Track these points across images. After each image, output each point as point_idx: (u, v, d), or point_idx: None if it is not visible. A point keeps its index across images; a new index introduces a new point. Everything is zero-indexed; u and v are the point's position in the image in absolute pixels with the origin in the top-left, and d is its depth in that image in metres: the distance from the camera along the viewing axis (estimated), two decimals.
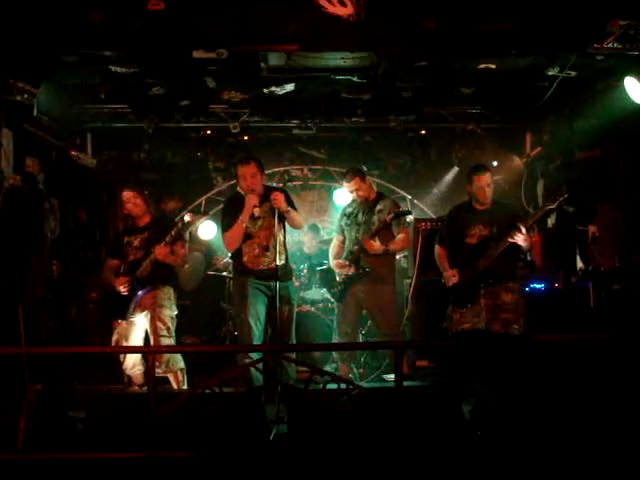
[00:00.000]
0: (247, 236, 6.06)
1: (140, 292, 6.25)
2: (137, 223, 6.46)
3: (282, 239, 6.20)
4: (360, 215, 6.75)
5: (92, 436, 4.69)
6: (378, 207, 6.66)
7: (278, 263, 5.91)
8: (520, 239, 5.76)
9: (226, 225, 6.12)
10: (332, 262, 6.94)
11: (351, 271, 6.64)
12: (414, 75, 7.14)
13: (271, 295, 5.92)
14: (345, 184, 6.84)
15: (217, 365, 6.77)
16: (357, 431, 4.50)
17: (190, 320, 7.94)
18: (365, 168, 8.89)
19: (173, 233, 6.06)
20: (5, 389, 5.23)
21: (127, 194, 6.41)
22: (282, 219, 6.11)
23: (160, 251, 6.08)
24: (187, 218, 6.35)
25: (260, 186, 6.14)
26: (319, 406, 4.57)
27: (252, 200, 6.00)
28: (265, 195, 6.14)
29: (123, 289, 6.21)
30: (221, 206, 9.92)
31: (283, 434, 4.98)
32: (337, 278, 6.78)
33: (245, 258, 6.08)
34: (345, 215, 6.94)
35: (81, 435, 4.82)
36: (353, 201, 6.92)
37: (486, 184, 6.06)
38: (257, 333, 6.00)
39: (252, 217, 6.05)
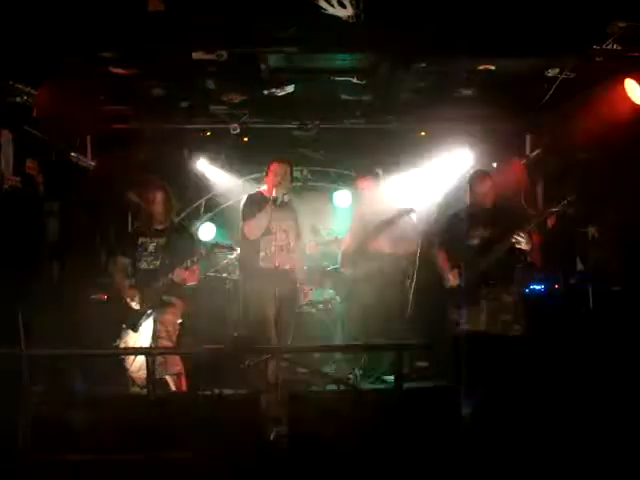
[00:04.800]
0: (267, 231, 6.13)
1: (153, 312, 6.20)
2: (154, 226, 6.43)
3: (294, 245, 6.40)
4: (368, 216, 6.78)
5: (91, 438, 4.68)
6: (390, 209, 6.66)
7: (290, 266, 6.11)
8: (522, 243, 5.77)
9: (249, 214, 6.26)
10: (340, 260, 7.01)
11: (355, 271, 6.68)
12: (414, 76, 7.13)
13: (279, 297, 5.96)
14: (358, 183, 6.90)
15: (216, 367, 6.76)
16: (357, 432, 4.50)
17: (190, 322, 7.91)
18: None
19: (194, 260, 6.07)
20: (5, 391, 5.23)
21: (159, 194, 6.40)
22: (298, 233, 6.59)
23: (181, 275, 6.08)
24: (213, 248, 6.39)
25: (286, 187, 6.37)
26: (319, 408, 4.57)
27: (279, 192, 6.22)
28: (290, 206, 6.53)
29: (135, 304, 6.17)
30: (222, 206, 10.11)
31: (283, 436, 4.98)
32: (344, 278, 6.83)
33: (262, 255, 6.16)
34: (357, 218, 6.99)
35: (80, 437, 4.82)
36: (365, 203, 6.93)
37: (487, 189, 6.09)
38: (273, 333, 6.03)
39: (275, 212, 6.11)
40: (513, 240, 5.78)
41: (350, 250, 6.91)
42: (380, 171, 7.01)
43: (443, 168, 9.29)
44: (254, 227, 6.17)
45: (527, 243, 5.81)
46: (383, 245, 6.55)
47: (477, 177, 6.21)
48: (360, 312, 6.76)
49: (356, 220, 6.95)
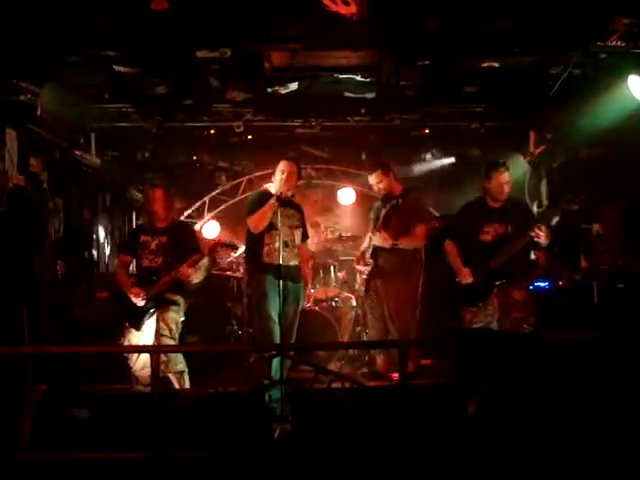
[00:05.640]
0: (271, 226, 6.13)
1: (156, 310, 6.18)
2: (156, 224, 6.38)
3: (299, 243, 6.40)
4: (383, 210, 6.77)
5: (96, 435, 4.69)
6: (400, 202, 6.65)
7: (295, 263, 6.11)
8: (542, 237, 5.75)
9: (254, 209, 6.24)
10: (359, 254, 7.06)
11: (365, 265, 6.72)
12: (417, 74, 7.13)
13: (284, 294, 5.97)
14: (369, 177, 6.91)
15: (220, 365, 6.77)
16: (361, 430, 4.50)
17: (193, 320, 7.93)
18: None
19: (197, 258, 6.08)
20: (10, 389, 5.24)
21: (157, 192, 6.38)
22: (304, 232, 6.55)
23: (185, 272, 6.06)
24: (216, 246, 6.35)
25: (293, 185, 6.37)
26: (323, 405, 4.57)
27: (285, 189, 6.20)
28: (296, 205, 6.49)
29: (139, 301, 6.16)
30: (225, 205, 10.14)
31: (287, 433, 4.98)
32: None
33: (266, 249, 6.17)
34: (373, 210, 7.00)
35: (85, 434, 4.82)
36: (382, 196, 6.92)
37: (505, 181, 6.06)
38: (277, 330, 6.02)
39: (280, 208, 6.11)
40: (532, 234, 5.75)
41: (366, 246, 6.94)
42: (389, 164, 6.99)
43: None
44: (258, 220, 6.17)
45: (546, 238, 5.79)
46: (386, 237, 6.54)
47: (497, 167, 6.16)
48: (379, 305, 6.76)
49: (372, 214, 6.97)
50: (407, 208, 6.56)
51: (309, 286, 6.62)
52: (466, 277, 6.01)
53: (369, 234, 7.01)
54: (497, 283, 5.88)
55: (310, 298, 6.65)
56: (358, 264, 6.96)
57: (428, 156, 9.79)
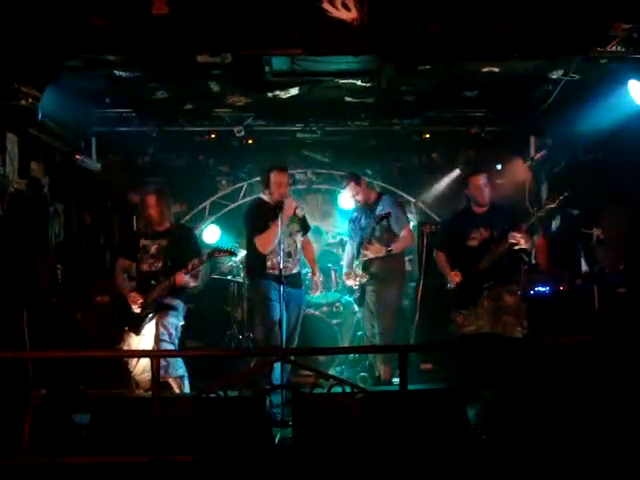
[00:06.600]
0: None
1: (155, 315, 6.17)
2: (155, 228, 6.39)
3: (299, 248, 6.46)
4: (363, 220, 6.79)
5: (96, 440, 4.68)
6: (379, 208, 6.68)
7: (297, 270, 6.15)
8: (521, 240, 5.76)
9: (258, 228, 6.22)
10: (344, 271, 7.05)
11: (360, 280, 6.72)
12: (418, 79, 7.14)
13: (286, 300, 5.97)
14: (343, 192, 6.94)
15: (221, 369, 6.76)
16: (362, 434, 4.49)
17: (194, 324, 7.94)
18: (369, 172, 8.94)
19: (196, 263, 6.05)
20: (10, 393, 5.24)
21: (150, 198, 6.37)
22: (305, 229, 6.57)
23: (180, 279, 6.05)
24: (214, 252, 6.29)
25: (286, 193, 6.38)
26: (324, 410, 4.57)
27: (292, 205, 6.22)
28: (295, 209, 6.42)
29: (137, 308, 6.14)
30: (226, 209, 10.12)
31: (288, 438, 4.97)
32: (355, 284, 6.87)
33: (269, 263, 6.16)
34: (351, 221, 7.00)
35: (85, 439, 4.82)
36: (357, 206, 6.95)
37: (483, 184, 6.11)
38: (279, 334, 6.02)
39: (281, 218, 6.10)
40: (512, 241, 5.78)
41: (349, 260, 6.96)
42: (359, 174, 7.02)
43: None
44: (265, 243, 6.13)
45: (526, 241, 5.82)
46: (379, 248, 6.57)
47: (472, 172, 6.27)
48: (369, 316, 6.80)
49: (350, 225, 7.00)
50: (390, 212, 6.61)
51: (316, 274, 6.62)
52: (454, 279, 6.05)
53: (349, 247, 7.04)
54: (485, 285, 5.90)
55: (318, 285, 6.64)
56: (348, 279, 6.95)
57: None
